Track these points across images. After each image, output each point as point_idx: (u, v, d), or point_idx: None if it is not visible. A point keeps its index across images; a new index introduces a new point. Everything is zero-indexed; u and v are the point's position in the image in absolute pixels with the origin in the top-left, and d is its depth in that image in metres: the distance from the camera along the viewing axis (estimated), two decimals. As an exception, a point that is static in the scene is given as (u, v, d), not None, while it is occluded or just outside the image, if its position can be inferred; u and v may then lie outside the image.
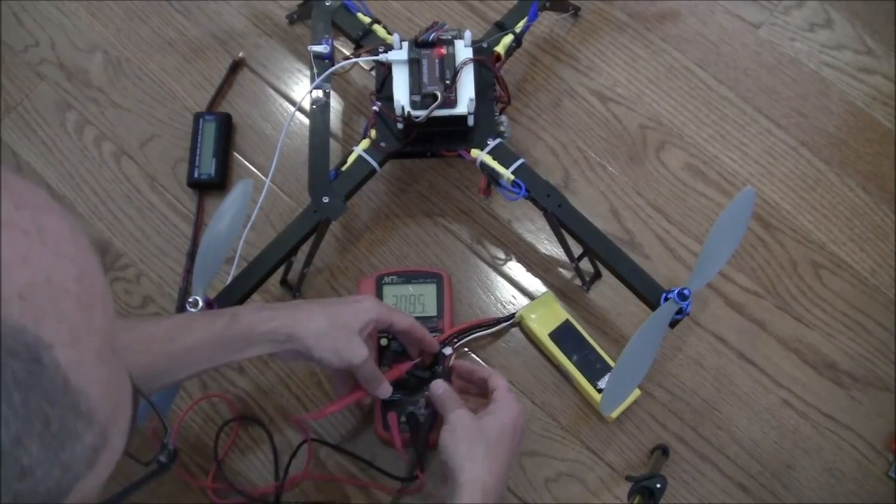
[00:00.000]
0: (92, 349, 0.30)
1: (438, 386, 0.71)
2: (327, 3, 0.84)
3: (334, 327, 0.66)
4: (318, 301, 0.71)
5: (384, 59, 0.77)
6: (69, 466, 0.28)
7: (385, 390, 0.71)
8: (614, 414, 0.79)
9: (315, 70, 0.80)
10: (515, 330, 0.84)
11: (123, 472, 0.83)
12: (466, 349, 0.83)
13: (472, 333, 0.81)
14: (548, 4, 0.88)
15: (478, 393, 0.74)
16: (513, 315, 0.83)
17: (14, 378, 0.26)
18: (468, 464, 0.63)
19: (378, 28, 0.83)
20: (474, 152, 0.78)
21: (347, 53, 0.88)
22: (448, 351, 0.78)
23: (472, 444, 0.65)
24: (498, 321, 0.83)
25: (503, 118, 0.80)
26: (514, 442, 0.68)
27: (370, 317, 0.68)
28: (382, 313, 0.69)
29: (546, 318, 0.82)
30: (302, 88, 0.94)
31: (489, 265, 0.87)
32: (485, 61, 0.79)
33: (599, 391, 0.79)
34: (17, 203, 0.29)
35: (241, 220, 0.72)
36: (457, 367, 0.76)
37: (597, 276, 0.85)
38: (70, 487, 0.29)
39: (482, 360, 0.83)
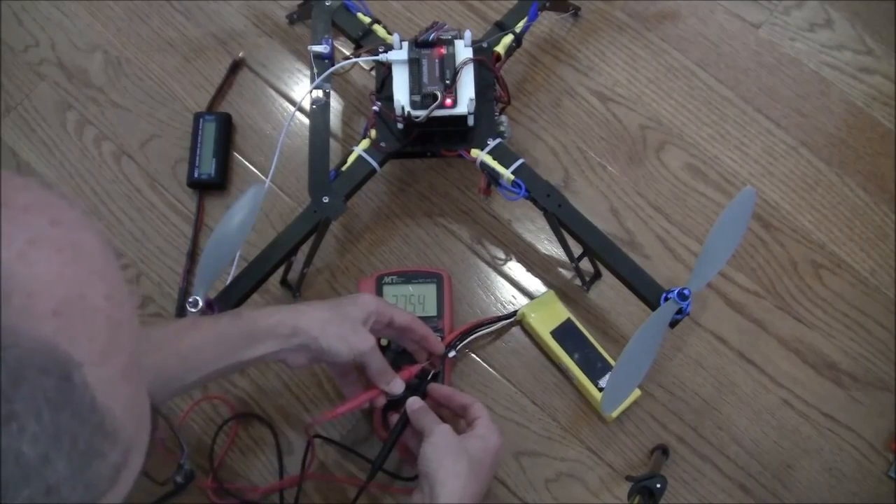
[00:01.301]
0: (118, 368, 0.30)
1: (415, 401, 0.71)
2: (327, 3, 0.84)
3: (338, 316, 0.66)
4: (317, 300, 0.71)
5: (384, 59, 0.76)
6: (93, 485, 0.28)
7: (397, 386, 0.70)
8: (614, 414, 0.79)
9: (315, 70, 0.80)
10: (516, 330, 0.84)
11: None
12: (473, 354, 0.83)
13: (473, 333, 0.81)
14: (548, 4, 0.88)
15: (451, 418, 0.73)
16: (514, 312, 0.83)
17: (45, 396, 0.26)
18: (451, 480, 0.63)
19: (378, 28, 0.83)
20: (474, 152, 0.78)
21: (347, 53, 0.88)
22: (451, 354, 0.78)
23: (457, 460, 0.64)
24: (499, 318, 0.83)
25: (503, 118, 0.80)
26: (493, 470, 0.67)
27: (370, 309, 0.68)
28: (382, 307, 0.69)
29: (547, 317, 0.82)
30: (302, 88, 0.94)
31: (489, 265, 0.87)
32: (485, 61, 0.79)
33: (601, 390, 0.79)
34: (53, 220, 0.29)
35: (250, 224, 0.71)
36: (433, 390, 0.74)
37: (597, 276, 0.85)
38: None
39: (482, 360, 0.83)
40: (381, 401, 0.72)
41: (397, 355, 0.78)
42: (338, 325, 0.65)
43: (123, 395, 0.30)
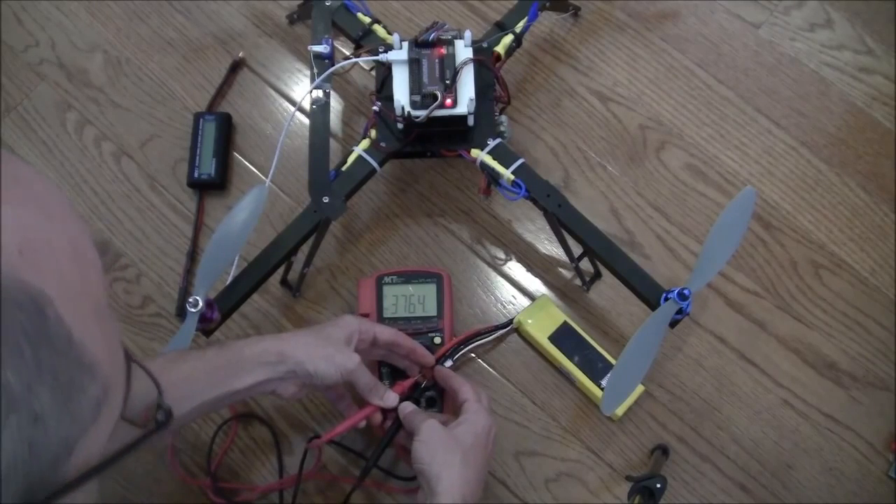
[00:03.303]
0: (90, 309, 0.31)
1: (407, 405, 0.72)
2: (327, 3, 0.84)
3: (321, 339, 0.67)
4: (300, 328, 0.73)
5: (384, 59, 0.76)
6: (77, 416, 0.30)
7: (390, 399, 0.71)
8: (619, 411, 0.79)
9: (315, 70, 0.80)
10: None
11: (124, 474, 0.82)
12: (473, 354, 0.83)
13: (470, 343, 0.81)
14: (548, 4, 0.88)
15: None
16: (510, 321, 0.83)
17: (22, 329, 0.27)
18: (446, 471, 0.63)
19: (378, 28, 0.83)
20: (474, 152, 0.78)
21: (347, 53, 0.88)
22: (448, 364, 0.78)
23: (449, 452, 0.65)
24: (496, 328, 0.82)
25: (503, 118, 0.80)
26: (487, 451, 0.68)
27: (352, 328, 0.69)
28: (363, 325, 0.70)
29: (544, 322, 0.82)
30: (302, 88, 0.94)
31: (489, 265, 0.87)
32: (485, 61, 0.79)
33: (603, 390, 0.79)
34: (14, 176, 0.31)
35: (252, 225, 0.71)
36: (436, 371, 0.76)
37: (597, 276, 0.85)
38: (77, 440, 0.30)
39: (483, 360, 0.83)
40: (378, 417, 0.72)
41: (394, 372, 0.78)
42: (322, 348, 0.66)
43: (97, 333, 0.31)
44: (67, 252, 0.31)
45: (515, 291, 0.86)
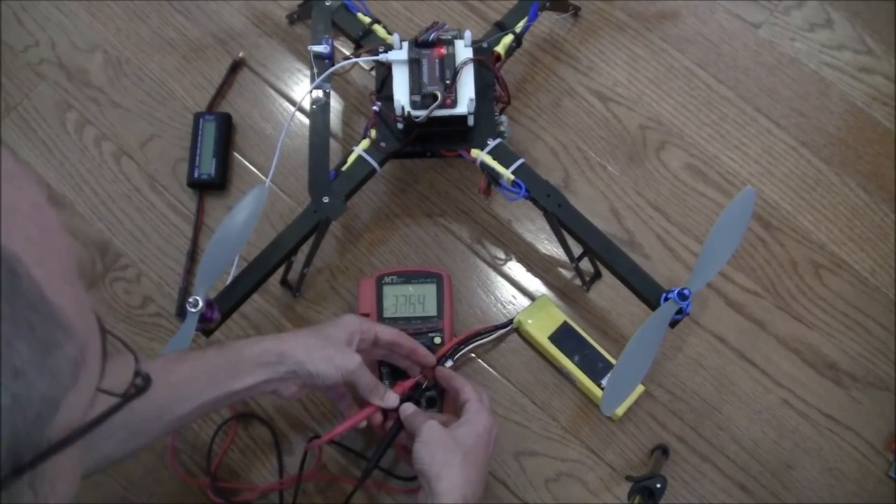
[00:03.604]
0: (59, 271, 0.32)
1: (408, 406, 0.72)
2: (327, 3, 0.84)
3: (322, 339, 0.67)
4: (301, 328, 0.73)
5: (384, 59, 0.76)
6: (56, 373, 0.30)
7: (391, 400, 0.71)
8: (619, 411, 0.79)
9: (315, 70, 0.80)
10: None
11: (124, 474, 0.82)
12: (473, 354, 0.83)
13: (470, 343, 0.81)
14: (548, 4, 0.88)
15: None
16: (510, 321, 0.83)
17: None
18: (446, 471, 0.64)
19: (378, 28, 0.83)
20: (474, 152, 0.78)
21: (347, 53, 0.88)
22: (448, 364, 0.78)
23: (449, 452, 0.65)
24: (496, 328, 0.82)
25: (503, 118, 0.80)
26: (488, 451, 0.68)
27: (353, 328, 0.69)
28: (364, 325, 0.70)
29: (544, 322, 0.82)
30: (302, 88, 0.94)
31: (489, 265, 0.87)
32: (485, 61, 0.79)
33: (603, 389, 0.79)
34: None
35: (252, 225, 0.71)
36: (438, 371, 0.76)
37: (597, 276, 0.85)
38: (59, 401, 0.30)
39: (483, 360, 0.83)
40: (378, 418, 0.72)
41: (394, 372, 0.78)
42: (322, 349, 0.66)
43: (69, 295, 0.32)
44: (31, 216, 0.32)
45: (515, 291, 0.86)
